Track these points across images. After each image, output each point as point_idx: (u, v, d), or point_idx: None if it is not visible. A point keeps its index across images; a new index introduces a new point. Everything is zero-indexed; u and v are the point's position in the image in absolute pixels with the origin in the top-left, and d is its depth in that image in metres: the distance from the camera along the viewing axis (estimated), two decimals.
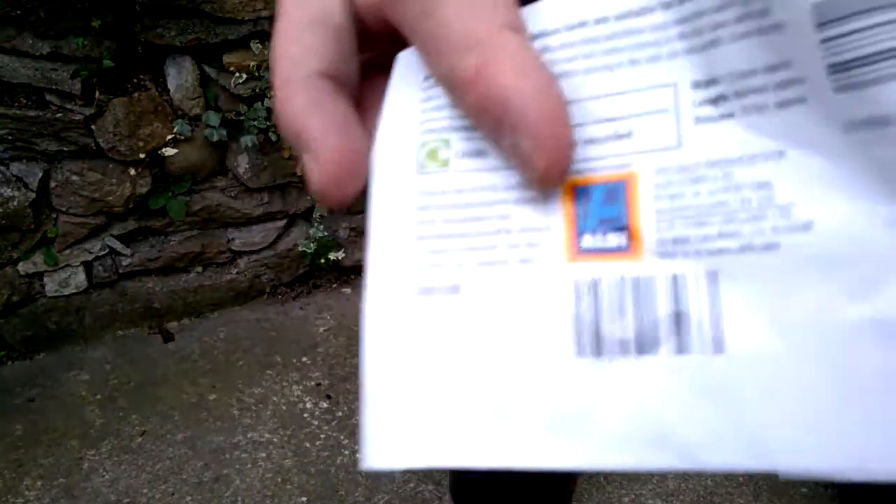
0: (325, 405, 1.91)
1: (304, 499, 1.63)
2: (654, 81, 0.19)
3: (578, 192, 0.19)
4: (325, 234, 2.19)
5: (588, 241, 0.19)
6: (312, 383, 1.99)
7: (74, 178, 1.90)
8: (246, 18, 1.85)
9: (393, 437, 0.19)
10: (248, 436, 1.80)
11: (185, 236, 2.16)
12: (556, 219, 0.19)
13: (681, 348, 0.17)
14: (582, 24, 0.20)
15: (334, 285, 2.42)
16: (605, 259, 0.19)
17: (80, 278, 2.06)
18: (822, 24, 0.15)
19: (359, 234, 2.37)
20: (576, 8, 0.20)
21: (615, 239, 0.19)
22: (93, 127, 1.84)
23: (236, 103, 2.00)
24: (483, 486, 1.54)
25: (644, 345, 0.18)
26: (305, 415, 1.88)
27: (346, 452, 1.76)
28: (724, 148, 0.18)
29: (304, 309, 2.31)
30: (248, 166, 2.09)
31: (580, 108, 0.20)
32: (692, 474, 1.73)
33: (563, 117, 0.18)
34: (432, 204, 0.21)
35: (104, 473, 1.69)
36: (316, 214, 2.10)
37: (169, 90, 1.94)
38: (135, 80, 1.92)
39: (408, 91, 0.22)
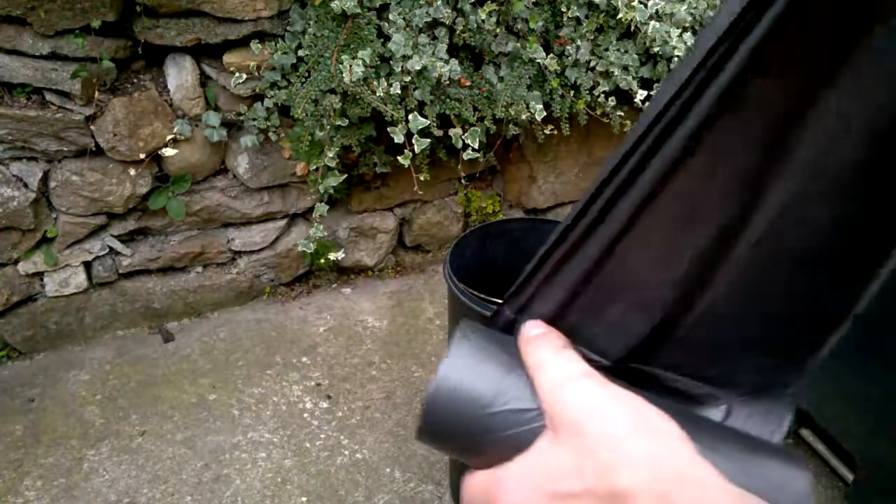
0: (325, 405, 1.91)
1: (304, 499, 1.63)
2: None
3: None
4: (325, 234, 2.19)
5: None
6: (312, 383, 1.99)
7: (74, 178, 1.90)
8: (246, 18, 1.85)
9: None
10: (248, 436, 1.80)
11: (185, 236, 2.16)
12: None
13: None
14: None
15: (334, 285, 2.42)
16: None
17: (80, 278, 2.06)
18: None
19: (358, 234, 2.37)
20: None
21: None
22: (93, 127, 1.84)
23: (236, 103, 2.00)
24: None
25: None
26: (305, 415, 1.88)
27: (346, 452, 1.76)
28: None
29: (304, 309, 2.31)
30: (248, 166, 2.09)
31: None
32: None
33: None
34: None
35: (104, 473, 1.69)
36: (316, 214, 2.10)
37: (169, 90, 1.94)
38: (135, 80, 1.92)
39: None
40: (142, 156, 1.92)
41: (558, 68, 2.11)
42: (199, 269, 2.23)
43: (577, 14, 2.07)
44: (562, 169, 2.59)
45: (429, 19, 1.88)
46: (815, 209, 0.32)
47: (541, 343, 0.38)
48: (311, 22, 1.88)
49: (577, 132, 2.44)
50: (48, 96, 1.80)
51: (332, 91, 1.85)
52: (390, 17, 1.86)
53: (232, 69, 1.92)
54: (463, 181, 2.44)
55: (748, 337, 0.38)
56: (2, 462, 1.71)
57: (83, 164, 1.90)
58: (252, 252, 2.27)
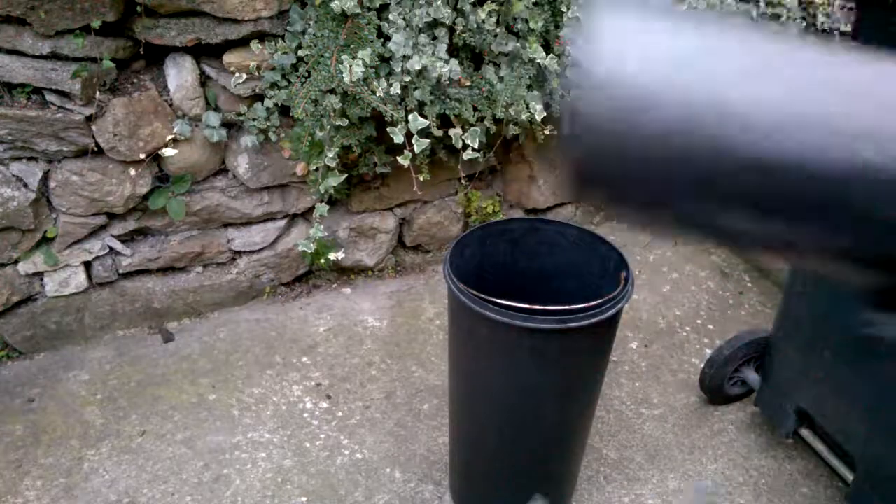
0: (325, 405, 1.91)
1: (303, 499, 1.63)
2: None
3: None
4: (325, 234, 2.19)
5: None
6: (312, 383, 1.99)
7: (74, 178, 1.90)
8: (246, 18, 1.85)
9: None
10: (248, 436, 1.80)
11: (185, 236, 2.16)
12: None
13: None
14: None
15: (334, 285, 2.42)
16: None
17: (80, 278, 2.06)
18: None
19: (358, 234, 2.37)
20: None
21: None
22: (93, 127, 1.84)
23: (236, 103, 2.00)
24: (483, 488, 1.54)
25: None
26: (305, 415, 1.88)
27: (346, 452, 1.76)
28: None
29: (304, 309, 2.31)
30: (248, 166, 2.09)
31: None
32: (692, 474, 1.73)
33: None
34: None
35: (104, 473, 1.69)
36: (316, 214, 2.10)
37: (169, 90, 1.94)
38: (135, 80, 1.92)
39: None
40: (142, 156, 1.92)
41: (558, 68, 2.11)
42: (199, 269, 2.24)
43: (578, 14, 2.07)
44: (562, 169, 2.58)
45: (429, 19, 1.88)
46: None
47: None
48: (311, 22, 1.88)
49: None
50: (48, 96, 1.80)
51: (332, 91, 1.85)
52: (390, 17, 1.86)
53: (232, 69, 1.92)
54: (463, 181, 2.44)
55: None
56: (2, 462, 1.71)
57: (83, 164, 1.90)
58: (252, 252, 2.27)
